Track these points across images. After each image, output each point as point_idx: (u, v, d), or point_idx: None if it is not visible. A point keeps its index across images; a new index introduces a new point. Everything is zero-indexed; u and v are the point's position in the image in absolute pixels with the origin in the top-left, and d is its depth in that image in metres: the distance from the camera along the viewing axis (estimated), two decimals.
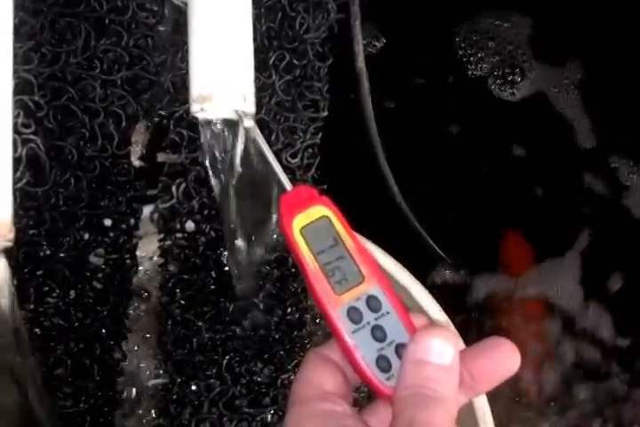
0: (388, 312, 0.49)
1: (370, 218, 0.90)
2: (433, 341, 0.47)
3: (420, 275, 0.81)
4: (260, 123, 0.69)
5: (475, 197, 1.00)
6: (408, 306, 0.79)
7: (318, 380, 0.49)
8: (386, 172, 0.87)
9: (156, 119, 0.69)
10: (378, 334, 0.49)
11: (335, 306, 0.49)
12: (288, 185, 0.53)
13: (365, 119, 0.86)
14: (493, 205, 1.01)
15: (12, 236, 0.54)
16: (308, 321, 0.77)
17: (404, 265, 0.80)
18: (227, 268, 0.72)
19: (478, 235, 1.00)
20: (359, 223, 0.77)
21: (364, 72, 0.84)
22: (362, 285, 0.49)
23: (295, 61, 0.71)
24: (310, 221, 0.50)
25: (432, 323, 0.52)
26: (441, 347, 0.47)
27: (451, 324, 0.78)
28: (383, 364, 0.48)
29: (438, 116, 1.00)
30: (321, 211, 0.51)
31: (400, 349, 0.48)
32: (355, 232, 0.51)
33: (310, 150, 0.73)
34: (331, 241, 0.50)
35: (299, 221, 0.50)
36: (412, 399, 0.46)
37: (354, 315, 0.49)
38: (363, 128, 0.87)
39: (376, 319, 0.49)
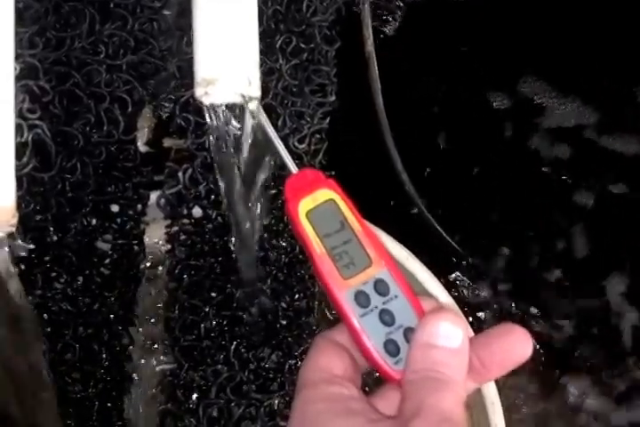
0: (396, 296, 0.49)
1: (377, 204, 0.90)
2: (441, 324, 0.47)
3: (429, 263, 0.81)
4: (267, 107, 0.69)
5: (486, 185, 0.99)
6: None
7: (326, 364, 0.49)
8: (394, 157, 0.86)
9: (163, 104, 0.69)
10: (386, 317, 0.48)
11: (342, 290, 0.48)
12: (293, 168, 0.53)
13: (374, 104, 0.85)
14: (504, 193, 1.00)
15: (15, 221, 0.54)
16: (315, 307, 0.77)
17: (412, 252, 0.79)
18: (233, 254, 0.72)
19: (489, 223, 0.99)
20: (366, 210, 0.76)
21: (373, 56, 0.83)
22: (369, 268, 0.49)
23: (302, 45, 0.71)
24: (316, 204, 0.50)
25: (441, 307, 0.51)
26: (450, 330, 0.46)
27: (459, 310, 0.77)
28: (391, 348, 0.48)
29: (448, 101, 0.99)
30: (327, 194, 0.50)
31: (408, 333, 0.48)
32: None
33: (318, 136, 0.73)
34: (337, 225, 0.49)
35: (304, 205, 0.50)
36: (421, 383, 0.46)
37: (361, 299, 0.48)
38: (371, 114, 0.86)
39: (384, 303, 0.49)
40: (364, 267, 0.49)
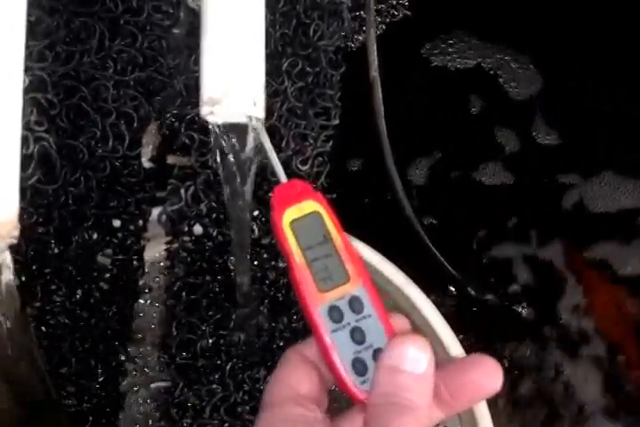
0: (369, 315, 0.49)
1: (376, 227, 0.90)
2: (408, 348, 0.46)
3: (428, 289, 0.81)
4: (272, 129, 0.70)
5: (486, 210, 0.99)
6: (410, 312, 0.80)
7: (294, 381, 0.48)
8: (395, 182, 0.87)
9: (168, 121, 0.70)
10: (357, 336, 0.48)
11: (317, 303, 0.48)
12: (283, 177, 0.53)
13: (377, 128, 0.86)
14: (504, 221, 1.00)
15: (17, 233, 0.55)
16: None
17: (410, 276, 0.80)
18: (232, 273, 0.72)
19: (489, 250, 0.99)
20: (366, 232, 0.77)
21: (377, 81, 0.84)
22: (346, 285, 0.49)
23: (308, 68, 0.72)
24: (301, 215, 0.50)
25: (409, 330, 0.51)
26: (415, 355, 0.46)
27: (453, 336, 0.78)
28: (359, 367, 0.48)
29: (452, 126, 1.00)
30: (313, 206, 0.50)
31: (378, 353, 0.48)
32: (345, 233, 0.51)
33: (320, 158, 0.73)
34: (320, 238, 0.50)
35: (289, 214, 0.50)
36: (385, 407, 0.45)
37: (335, 314, 0.48)
38: (374, 136, 0.87)
39: (357, 321, 0.48)
40: (342, 282, 0.49)
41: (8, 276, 0.56)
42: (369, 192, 0.94)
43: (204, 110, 0.59)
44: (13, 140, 0.53)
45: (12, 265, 0.56)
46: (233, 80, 0.58)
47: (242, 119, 0.59)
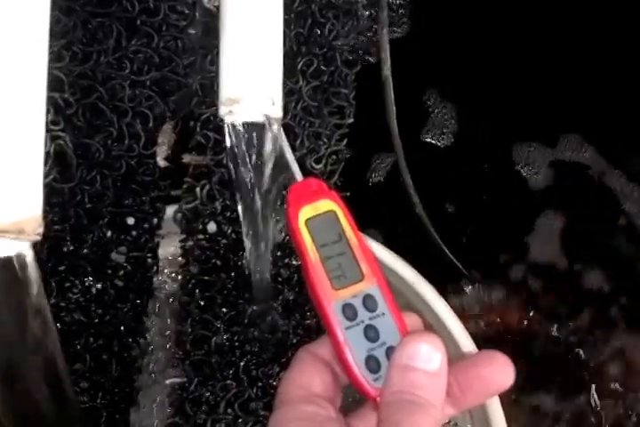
0: (383, 313, 0.49)
1: (389, 226, 0.90)
2: (421, 346, 0.47)
3: (438, 286, 0.81)
4: (286, 128, 0.70)
5: (495, 210, 1.00)
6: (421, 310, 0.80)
7: (307, 380, 0.49)
8: (407, 182, 0.87)
9: (183, 121, 0.70)
10: (370, 333, 0.49)
11: (331, 300, 0.49)
12: (299, 176, 0.54)
13: (389, 127, 0.86)
14: (513, 217, 1.01)
15: (41, 230, 0.55)
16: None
17: (423, 274, 0.80)
18: (246, 270, 0.73)
19: (497, 248, 1.00)
20: (378, 231, 0.77)
21: (389, 80, 0.84)
22: (360, 283, 0.49)
23: (323, 67, 0.72)
24: (316, 213, 0.50)
25: (422, 328, 0.52)
26: (429, 353, 0.46)
27: (465, 332, 0.78)
28: (372, 364, 0.48)
29: (458, 124, 1.00)
30: (328, 205, 0.51)
31: (391, 351, 0.48)
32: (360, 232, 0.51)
33: (334, 157, 0.74)
34: (334, 236, 0.50)
35: (305, 213, 0.50)
36: (398, 405, 0.46)
37: (348, 311, 0.49)
38: (386, 135, 0.87)
39: (370, 319, 0.49)
40: (356, 281, 0.49)
41: (34, 273, 0.56)
42: (380, 191, 0.94)
43: (223, 110, 0.59)
44: (37, 139, 0.53)
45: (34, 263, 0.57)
46: (251, 80, 0.59)
47: (259, 118, 0.59)
